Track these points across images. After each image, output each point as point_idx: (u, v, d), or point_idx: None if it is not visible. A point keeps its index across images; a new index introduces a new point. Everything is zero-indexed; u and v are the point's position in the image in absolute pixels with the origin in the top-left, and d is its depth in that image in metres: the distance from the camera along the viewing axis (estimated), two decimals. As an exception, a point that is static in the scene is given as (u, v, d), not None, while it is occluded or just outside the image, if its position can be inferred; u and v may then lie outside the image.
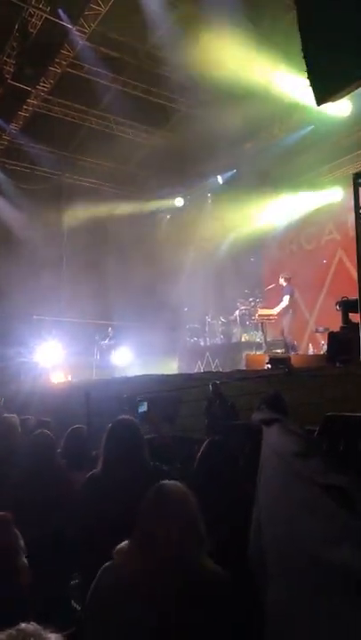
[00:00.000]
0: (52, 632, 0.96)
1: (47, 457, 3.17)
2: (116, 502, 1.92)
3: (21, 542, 1.98)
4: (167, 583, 1.71)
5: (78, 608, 2.64)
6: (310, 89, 4.94)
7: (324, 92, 4.84)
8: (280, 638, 1.11)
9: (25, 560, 1.97)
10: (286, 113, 12.44)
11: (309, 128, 12.51)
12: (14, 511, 2.07)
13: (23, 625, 0.97)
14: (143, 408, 3.67)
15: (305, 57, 4.85)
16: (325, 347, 8.72)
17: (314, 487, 1.03)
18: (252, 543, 1.63)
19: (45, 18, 9.82)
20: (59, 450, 3.50)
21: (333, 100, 6.31)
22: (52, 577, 2.37)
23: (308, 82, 4.94)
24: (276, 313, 11.33)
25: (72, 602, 2.77)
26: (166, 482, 1.96)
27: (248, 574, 1.75)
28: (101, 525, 1.88)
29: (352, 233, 12.76)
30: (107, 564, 1.86)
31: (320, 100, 5.17)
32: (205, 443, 2.80)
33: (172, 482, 1.96)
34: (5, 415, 4.25)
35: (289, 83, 10.69)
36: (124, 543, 1.87)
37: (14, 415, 4.21)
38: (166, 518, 1.82)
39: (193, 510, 1.88)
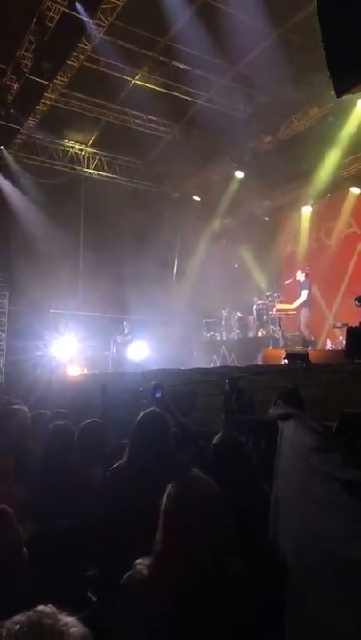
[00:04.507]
0: (67, 615, 0.99)
1: (65, 449, 3.19)
2: (139, 494, 1.89)
3: (22, 535, 1.98)
4: (193, 582, 1.62)
5: (94, 599, 2.66)
6: (331, 81, 4.87)
7: (344, 84, 4.77)
8: (298, 631, 1.10)
9: (25, 552, 1.96)
10: (306, 106, 12.31)
11: (328, 120, 12.35)
12: (31, 501, 2.08)
13: (41, 607, 1.00)
14: (158, 394, 3.69)
15: (326, 49, 4.79)
16: (344, 342, 8.64)
17: (333, 483, 1.01)
18: (270, 537, 1.61)
19: (63, 12, 9.81)
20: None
21: (354, 92, 6.20)
22: (67, 569, 2.39)
23: (328, 74, 4.88)
24: (293, 308, 11.24)
25: (88, 593, 2.79)
26: (190, 478, 1.84)
27: (262, 571, 1.73)
28: (124, 517, 1.86)
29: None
30: (130, 573, 1.79)
31: (340, 91, 5.10)
32: (217, 436, 2.79)
33: (196, 478, 1.83)
34: (15, 407, 4.29)
35: (309, 75, 10.55)
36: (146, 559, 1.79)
37: (24, 407, 4.25)
38: (193, 521, 1.71)
39: (217, 505, 1.76)
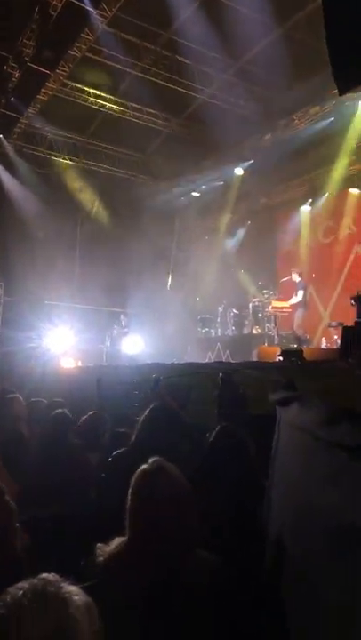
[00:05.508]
0: (70, 584, 1.01)
1: (64, 437, 3.20)
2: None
3: (14, 508, 1.96)
4: (160, 579, 1.62)
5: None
6: (333, 79, 4.88)
7: (347, 83, 4.78)
8: (297, 601, 1.10)
9: (18, 525, 1.94)
10: (307, 104, 12.29)
11: (329, 120, 12.35)
12: (30, 489, 2.06)
13: (44, 574, 1.01)
14: (158, 386, 3.76)
15: (329, 47, 4.79)
16: (339, 341, 8.67)
17: (340, 453, 1.00)
18: (265, 522, 1.61)
19: (67, 0, 9.74)
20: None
21: (356, 91, 6.19)
22: (62, 556, 2.39)
23: (331, 72, 4.89)
24: (288, 305, 11.27)
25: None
26: (155, 470, 1.80)
27: (254, 558, 1.74)
28: (122, 503, 1.84)
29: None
30: (91, 557, 1.79)
31: (343, 90, 5.11)
32: (216, 429, 2.81)
33: (161, 471, 1.80)
34: (10, 396, 4.28)
35: (311, 73, 10.54)
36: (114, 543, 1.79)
37: (19, 396, 4.26)
38: (157, 511, 1.71)
39: (185, 499, 1.76)
